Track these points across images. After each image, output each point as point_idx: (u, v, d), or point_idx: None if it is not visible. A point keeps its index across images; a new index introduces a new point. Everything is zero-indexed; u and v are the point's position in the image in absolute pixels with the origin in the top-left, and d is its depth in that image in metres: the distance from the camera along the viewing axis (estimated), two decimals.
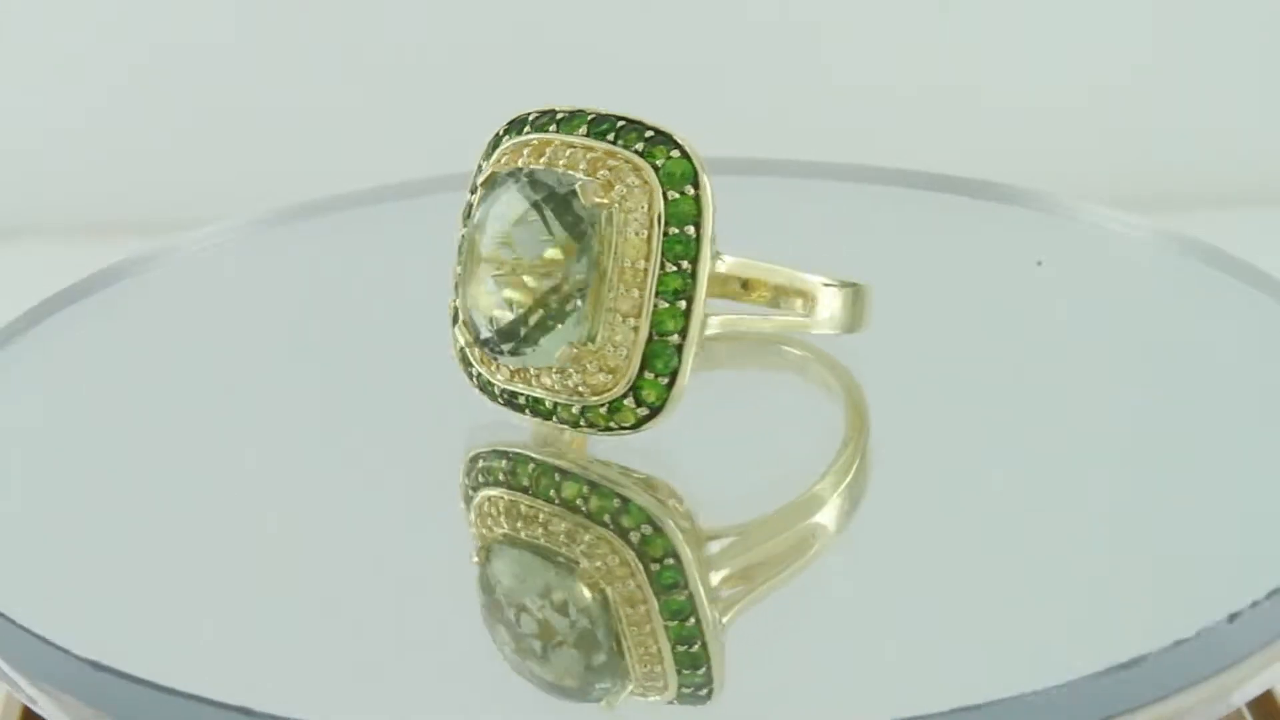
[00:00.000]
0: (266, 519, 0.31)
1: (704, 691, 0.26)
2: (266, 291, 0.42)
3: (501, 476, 0.32)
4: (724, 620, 0.28)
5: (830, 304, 0.31)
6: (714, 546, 0.30)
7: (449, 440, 0.33)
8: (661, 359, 0.30)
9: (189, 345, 0.38)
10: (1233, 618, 0.26)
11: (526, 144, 0.31)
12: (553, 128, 0.31)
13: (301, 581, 0.29)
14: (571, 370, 0.30)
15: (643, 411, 0.30)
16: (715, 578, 0.29)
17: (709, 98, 0.67)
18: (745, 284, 0.32)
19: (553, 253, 0.30)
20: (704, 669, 0.27)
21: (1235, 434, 0.33)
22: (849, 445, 0.32)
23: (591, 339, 0.30)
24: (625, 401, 0.30)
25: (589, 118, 0.31)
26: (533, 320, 0.30)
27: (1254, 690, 0.27)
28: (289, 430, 0.34)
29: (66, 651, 0.26)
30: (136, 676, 0.25)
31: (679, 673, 0.27)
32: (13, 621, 0.27)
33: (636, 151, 0.30)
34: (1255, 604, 0.27)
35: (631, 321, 0.30)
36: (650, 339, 0.30)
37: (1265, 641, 0.27)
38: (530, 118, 0.31)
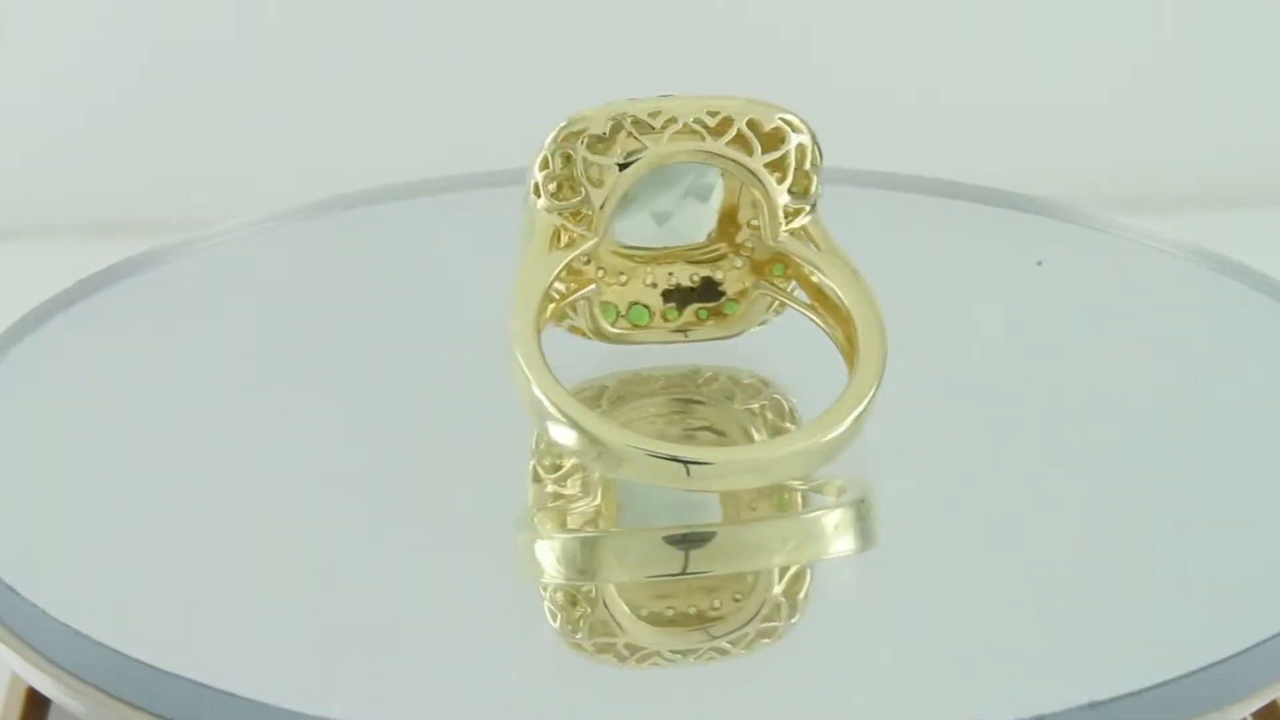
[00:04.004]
0: (275, 519, 0.31)
1: None
2: (269, 293, 0.42)
3: None
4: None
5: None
6: None
7: (457, 439, 0.33)
8: None
9: (192, 347, 0.38)
10: (1240, 653, 0.26)
11: None
12: None
13: (319, 576, 0.30)
14: None
15: None
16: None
17: None
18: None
19: None
20: None
21: (1236, 435, 0.34)
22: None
23: None
24: None
25: None
26: None
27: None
28: (297, 431, 0.34)
29: (87, 637, 0.27)
30: (153, 664, 0.26)
31: None
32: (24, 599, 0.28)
33: None
34: (1262, 642, 0.26)
35: None
36: None
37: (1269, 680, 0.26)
38: None
